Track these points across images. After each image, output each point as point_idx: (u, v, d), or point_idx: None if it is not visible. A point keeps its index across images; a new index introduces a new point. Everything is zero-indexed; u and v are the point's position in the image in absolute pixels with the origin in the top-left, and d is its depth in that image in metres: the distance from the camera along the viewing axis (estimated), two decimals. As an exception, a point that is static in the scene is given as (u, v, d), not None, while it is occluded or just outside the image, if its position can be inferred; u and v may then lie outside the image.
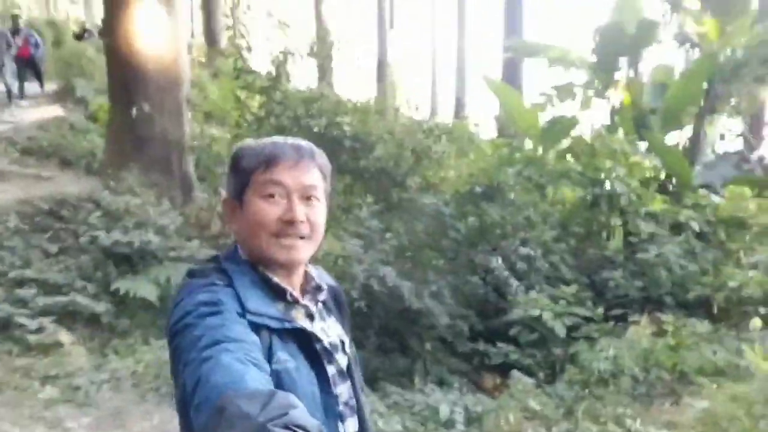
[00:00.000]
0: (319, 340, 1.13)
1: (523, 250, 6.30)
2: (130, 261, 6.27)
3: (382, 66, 19.78)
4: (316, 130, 7.44)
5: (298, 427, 0.71)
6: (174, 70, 7.63)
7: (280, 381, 1.01)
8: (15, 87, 10.43)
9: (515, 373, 5.62)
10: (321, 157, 1.17)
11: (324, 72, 20.80)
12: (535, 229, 6.55)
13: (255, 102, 7.98)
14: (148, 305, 5.85)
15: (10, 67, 10.19)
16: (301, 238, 1.11)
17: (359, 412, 1.23)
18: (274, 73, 7.69)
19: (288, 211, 1.08)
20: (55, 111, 10.66)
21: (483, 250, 6.37)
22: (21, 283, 5.64)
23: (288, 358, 1.04)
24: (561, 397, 4.53)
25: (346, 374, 1.20)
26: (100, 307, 5.65)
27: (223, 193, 1.20)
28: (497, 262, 6.14)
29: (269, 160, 1.09)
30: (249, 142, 1.18)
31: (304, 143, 1.16)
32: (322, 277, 1.27)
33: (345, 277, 6.31)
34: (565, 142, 8.89)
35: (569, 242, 7.42)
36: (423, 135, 7.49)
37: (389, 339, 6.63)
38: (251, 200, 1.10)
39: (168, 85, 7.56)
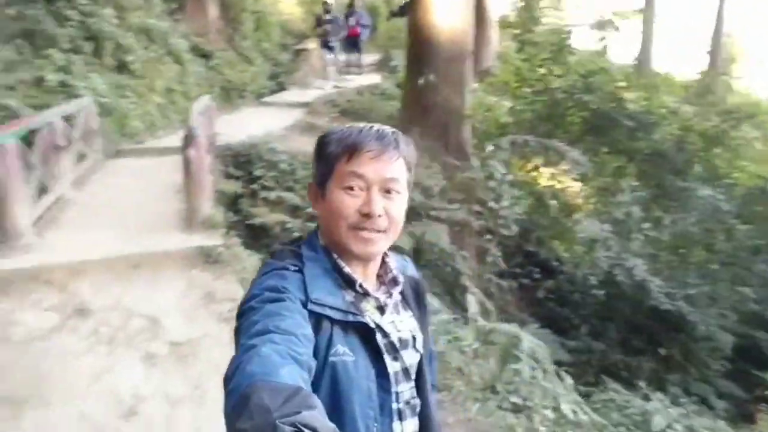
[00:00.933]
0: (386, 335, 1.12)
1: (827, 269, 5.03)
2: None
3: (717, 37, 17.10)
4: (593, 106, 7.10)
5: (306, 426, 0.71)
6: (462, 42, 8.09)
7: (335, 373, 1.02)
8: (341, 61, 12.43)
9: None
10: (407, 146, 1.14)
11: (646, 43, 19.00)
12: None
13: (538, 74, 7.95)
14: (405, 253, 6.61)
15: (340, 46, 12.14)
16: (379, 231, 1.10)
17: (424, 411, 1.19)
18: (556, 47, 7.53)
19: (366, 205, 1.08)
20: (374, 79, 12.34)
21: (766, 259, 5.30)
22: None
23: (346, 351, 1.04)
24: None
25: (412, 372, 1.17)
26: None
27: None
28: (783, 276, 5.05)
29: (352, 149, 1.09)
30: (336, 128, 1.17)
31: (389, 131, 1.13)
32: (405, 268, 1.25)
33: (586, 262, 6.02)
34: None
35: None
36: (719, 118, 6.46)
37: (635, 337, 6.12)
38: (333, 190, 1.10)
39: (455, 56, 8.07)
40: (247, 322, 0.96)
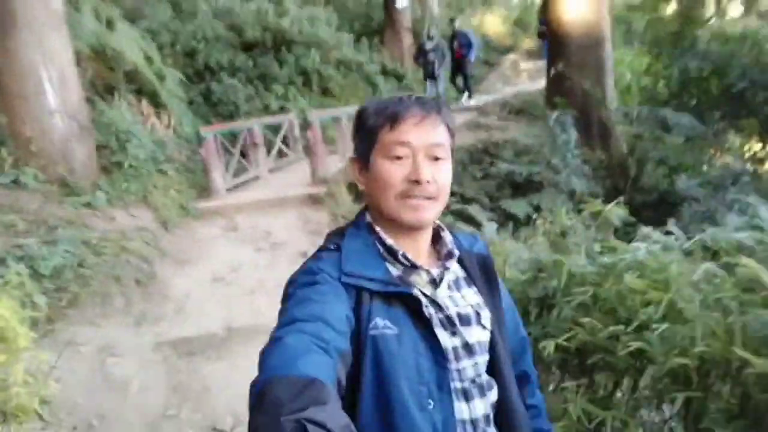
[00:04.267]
0: (441, 309, 1.08)
1: None
2: (521, 187, 8.11)
3: None
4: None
5: (314, 423, 0.70)
6: (595, 33, 8.76)
7: (376, 347, 0.99)
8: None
9: None
10: (447, 113, 1.12)
11: None
12: None
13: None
14: (519, 221, 7.62)
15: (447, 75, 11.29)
16: (428, 198, 1.07)
17: (502, 395, 1.12)
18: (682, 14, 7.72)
19: (414, 172, 1.05)
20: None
21: None
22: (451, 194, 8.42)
23: (387, 324, 1.00)
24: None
25: (477, 349, 1.10)
26: (483, 217, 7.79)
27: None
28: None
29: (394, 118, 1.07)
30: (374, 99, 1.17)
31: (430, 99, 1.13)
32: (473, 245, 1.23)
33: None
34: None
35: None
36: None
37: None
38: (377, 160, 1.08)
39: (588, 45, 8.77)
40: (283, 308, 0.99)
